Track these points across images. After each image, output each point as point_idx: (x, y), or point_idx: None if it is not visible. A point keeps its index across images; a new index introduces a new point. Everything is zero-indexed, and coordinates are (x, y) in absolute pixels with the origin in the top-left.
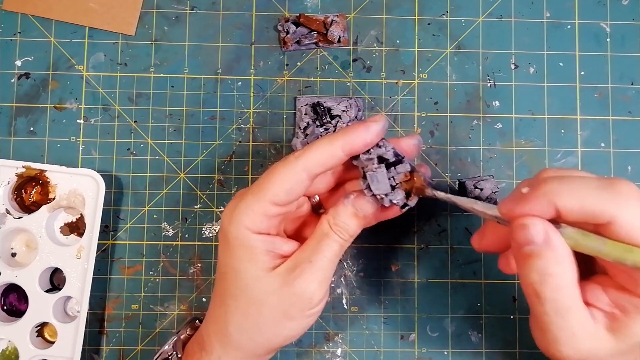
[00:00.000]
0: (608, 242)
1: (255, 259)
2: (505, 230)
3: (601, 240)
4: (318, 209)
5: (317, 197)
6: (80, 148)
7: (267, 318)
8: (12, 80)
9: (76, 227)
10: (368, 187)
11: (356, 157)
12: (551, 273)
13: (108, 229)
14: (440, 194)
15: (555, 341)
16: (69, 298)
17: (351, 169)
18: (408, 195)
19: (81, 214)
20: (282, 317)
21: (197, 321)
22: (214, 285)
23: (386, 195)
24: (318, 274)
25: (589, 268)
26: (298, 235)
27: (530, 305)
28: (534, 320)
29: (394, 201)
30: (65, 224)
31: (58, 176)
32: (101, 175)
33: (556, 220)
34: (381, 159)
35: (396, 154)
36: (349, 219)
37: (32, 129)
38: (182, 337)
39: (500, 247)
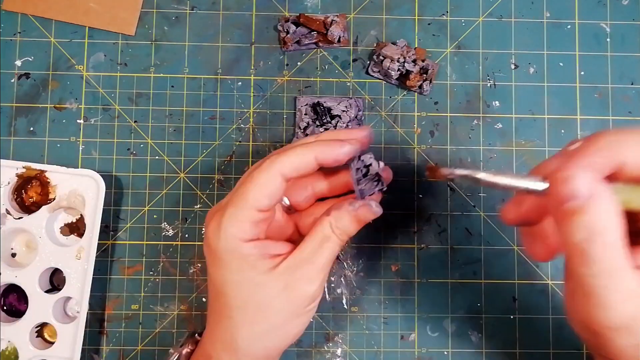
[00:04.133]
0: None
1: (253, 265)
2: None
3: None
4: (289, 210)
5: (287, 201)
6: (80, 148)
7: (276, 321)
8: (12, 80)
9: (76, 228)
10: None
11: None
12: (600, 230)
13: (108, 229)
14: (459, 172)
15: (601, 306)
16: (68, 298)
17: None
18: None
19: (81, 215)
20: (290, 318)
21: (196, 335)
22: (210, 302)
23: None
24: (320, 275)
25: (633, 236)
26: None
27: (571, 269)
28: (574, 286)
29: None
30: (65, 225)
31: (58, 176)
32: (101, 175)
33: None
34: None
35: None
36: (351, 224)
37: (32, 129)
38: (184, 352)
39: (538, 217)
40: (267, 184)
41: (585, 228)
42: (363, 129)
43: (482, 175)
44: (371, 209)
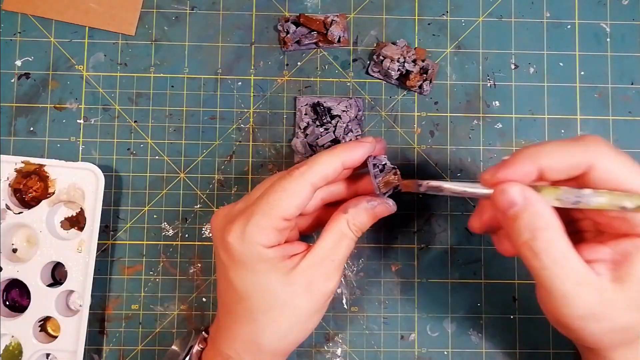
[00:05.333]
0: (583, 195)
1: (276, 267)
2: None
3: (578, 190)
4: None
5: None
6: (80, 148)
7: (299, 319)
8: (12, 80)
9: (76, 221)
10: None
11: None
12: (540, 227)
13: (108, 229)
14: (432, 183)
15: (562, 297)
16: (71, 292)
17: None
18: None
19: (81, 208)
20: (311, 314)
21: (203, 332)
22: (226, 305)
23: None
24: (338, 271)
25: (582, 234)
26: None
27: (530, 269)
28: (539, 286)
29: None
30: (66, 219)
31: (57, 170)
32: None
33: (535, 186)
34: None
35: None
36: (368, 221)
37: (32, 129)
38: (194, 351)
39: (497, 223)
40: (298, 194)
41: (527, 227)
42: (378, 140)
43: (444, 185)
44: (389, 206)
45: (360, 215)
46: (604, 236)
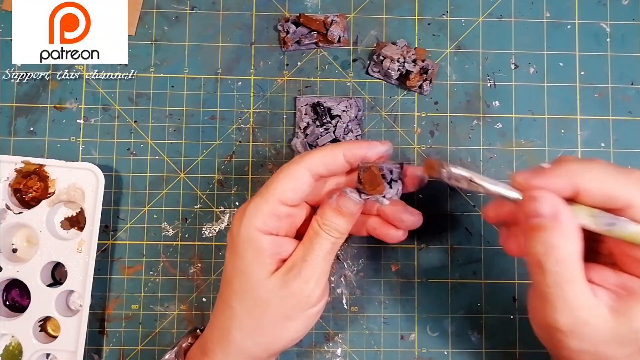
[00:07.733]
0: (620, 220)
1: (262, 261)
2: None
3: (614, 218)
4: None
5: None
6: (80, 148)
7: (270, 319)
8: (12, 81)
9: (76, 221)
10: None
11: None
12: (556, 246)
13: (108, 229)
14: (455, 170)
15: (553, 309)
16: (71, 292)
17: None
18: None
19: (81, 208)
20: (283, 319)
21: (198, 330)
22: (220, 290)
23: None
24: (314, 272)
25: (596, 255)
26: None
27: (532, 275)
28: (534, 290)
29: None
30: (66, 219)
31: (57, 170)
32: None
33: (569, 200)
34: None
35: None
36: (335, 218)
37: (32, 129)
38: (183, 345)
39: (514, 220)
40: (293, 177)
41: (544, 243)
42: (384, 143)
43: (475, 178)
44: (350, 199)
45: (325, 213)
46: (615, 266)
